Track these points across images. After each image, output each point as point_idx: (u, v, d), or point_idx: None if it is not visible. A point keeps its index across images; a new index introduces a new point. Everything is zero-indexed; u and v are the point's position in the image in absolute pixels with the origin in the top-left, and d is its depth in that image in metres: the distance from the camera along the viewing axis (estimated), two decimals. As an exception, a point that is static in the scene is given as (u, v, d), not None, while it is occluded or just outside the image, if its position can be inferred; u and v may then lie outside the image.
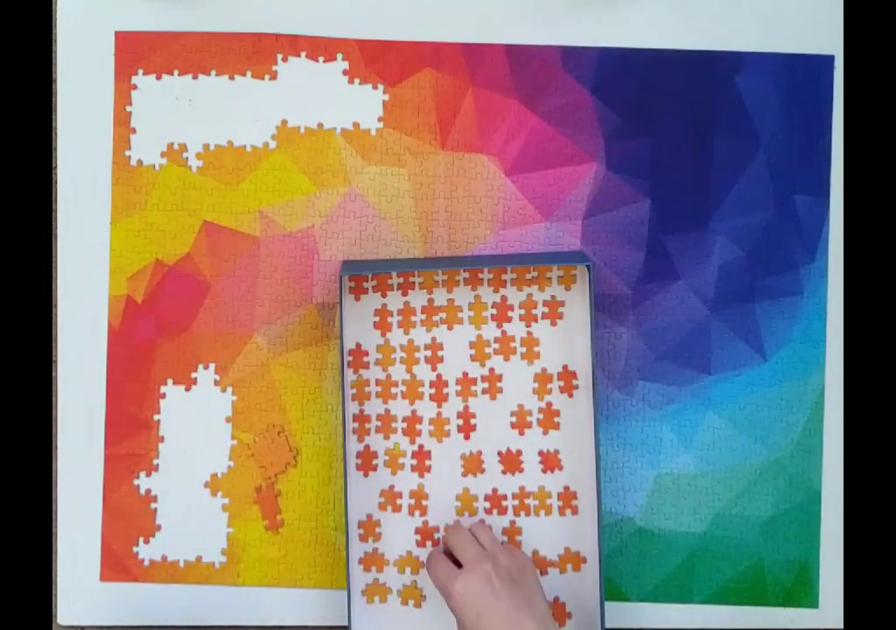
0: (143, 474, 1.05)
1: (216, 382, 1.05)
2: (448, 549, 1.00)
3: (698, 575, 1.06)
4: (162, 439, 1.05)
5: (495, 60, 1.05)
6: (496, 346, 1.04)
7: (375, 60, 1.04)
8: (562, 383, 1.04)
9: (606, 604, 1.02)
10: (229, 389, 1.05)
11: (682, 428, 1.06)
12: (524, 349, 1.04)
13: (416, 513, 1.04)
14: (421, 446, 1.04)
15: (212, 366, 1.05)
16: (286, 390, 1.05)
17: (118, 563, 1.05)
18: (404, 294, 1.04)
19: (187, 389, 1.05)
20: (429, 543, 1.04)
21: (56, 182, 1.04)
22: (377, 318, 1.04)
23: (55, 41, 1.04)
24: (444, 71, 1.05)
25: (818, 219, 1.05)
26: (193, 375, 1.05)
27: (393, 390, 1.04)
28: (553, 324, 1.04)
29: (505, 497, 1.05)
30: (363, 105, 1.05)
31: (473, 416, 1.04)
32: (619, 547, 1.06)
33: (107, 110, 1.04)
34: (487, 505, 1.05)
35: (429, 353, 1.04)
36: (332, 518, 1.05)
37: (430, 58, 1.04)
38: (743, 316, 1.05)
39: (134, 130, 1.04)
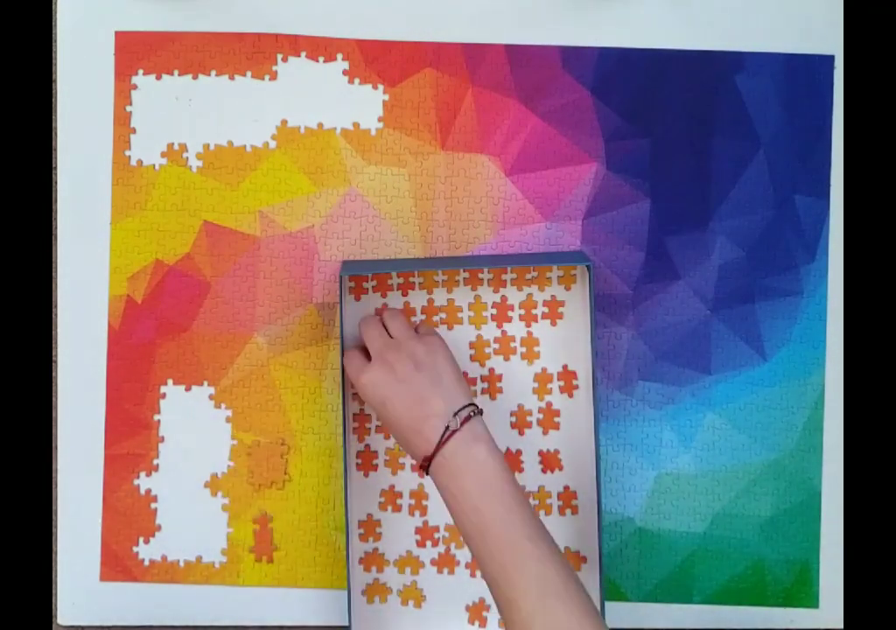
0: (143, 474, 1.05)
1: (216, 383, 1.05)
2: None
3: (698, 575, 1.06)
4: (162, 439, 1.05)
5: (495, 60, 1.05)
6: (496, 346, 1.04)
7: (375, 60, 1.04)
8: (562, 383, 1.04)
9: (606, 604, 1.02)
10: (229, 390, 1.05)
11: (682, 428, 1.06)
12: (524, 349, 1.04)
13: (417, 513, 1.04)
14: (421, 446, 1.04)
15: (211, 370, 1.05)
16: (286, 390, 1.05)
17: (118, 563, 1.05)
18: (404, 294, 1.04)
19: (187, 389, 1.05)
20: (429, 543, 1.04)
21: (56, 182, 1.04)
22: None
23: (55, 41, 1.04)
24: (444, 71, 1.05)
25: (818, 219, 1.05)
26: (194, 377, 1.05)
27: (393, 390, 1.04)
28: (553, 324, 1.04)
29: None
30: (363, 105, 1.05)
31: (473, 415, 1.04)
32: (619, 547, 1.06)
33: (107, 110, 1.04)
34: (487, 505, 1.05)
35: (429, 353, 1.04)
36: (332, 518, 1.05)
37: (430, 58, 1.04)
38: (743, 316, 1.05)
39: (134, 130, 1.04)
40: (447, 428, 0.92)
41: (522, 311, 1.04)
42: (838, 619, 1.06)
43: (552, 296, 1.04)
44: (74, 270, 1.05)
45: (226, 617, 1.05)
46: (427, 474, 0.93)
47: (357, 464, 1.04)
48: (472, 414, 0.93)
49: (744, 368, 1.06)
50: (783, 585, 1.06)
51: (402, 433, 0.94)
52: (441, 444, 0.91)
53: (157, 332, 1.05)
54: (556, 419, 1.05)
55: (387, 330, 0.99)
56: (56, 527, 1.05)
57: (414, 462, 0.95)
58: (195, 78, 1.04)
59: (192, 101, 1.05)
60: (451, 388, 0.95)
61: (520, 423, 1.05)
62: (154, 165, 1.05)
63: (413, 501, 1.04)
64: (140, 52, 1.04)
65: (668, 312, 1.05)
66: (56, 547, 1.05)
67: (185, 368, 1.05)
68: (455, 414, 0.93)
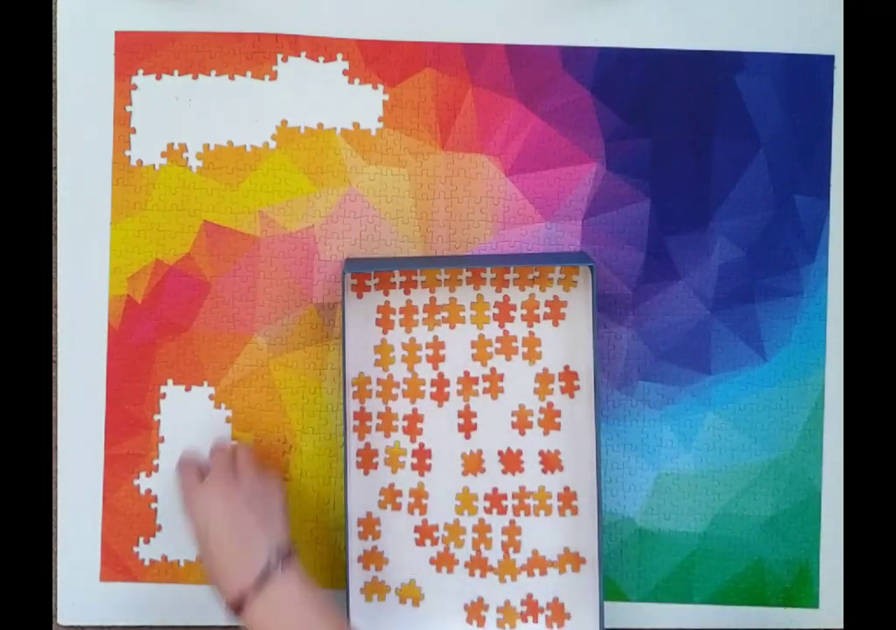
0: (143, 474, 1.05)
1: (216, 383, 1.05)
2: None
3: (698, 575, 1.06)
4: (162, 439, 1.05)
5: (495, 60, 1.05)
6: (498, 345, 1.04)
7: (375, 60, 1.04)
8: (563, 384, 1.04)
9: (606, 604, 1.02)
10: (229, 390, 1.05)
11: (682, 428, 1.06)
12: (526, 349, 1.04)
13: (416, 511, 1.04)
14: (421, 445, 1.04)
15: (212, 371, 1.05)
16: (286, 390, 1.05)
17: (118, 563, 1.05)
18: (406, 292, 1.04)
19: (187, 389, 1.05)
20: (428, 542, 1.04)
21: (56, 182, 1.04)
22: (379, 316, 1.04)
23: (55, 41, 1.04)
24: (444, 71, 1.05)
25: (818, 219, 1.05)
26: (194, 377, 1.05)
27: (394, 389, 1.04)
28: (555, 324, 1.04)
29: (505, 497, 1.05)
30: (363, 105, 1.05)
31: (474, 415, 1.04)
32: (619, 547, 1.06)
33: (107, 110, 1.04)
34: (487, 504, 1.05)
35: (430, 351, 1.04)
36: (332, 518, 1.05)
37: (430, 58, 1.04)
38: (743, 316, 1.05)
39: (134, 130, 1.04)
40: (268, 565, 0.92)
41: (524, 311, 1.04)
42: (838, 619, 1.06)
43: (554, 296, 1.04)
44: (74, 270, 1.05)
45: (226, 617, 1.05)
46: (236, 613, 0.91)
47: (357, 462, 1.04)
48: (290, 554, 0.93)
49: (744, 368, 1.06)
50: (783, 585, 1.06)
51: (221, 564, 0.93)
52: (261, 582, 0.91)
53: (157, 332, 1.05)
54: (556, 419, 1.05)
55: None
56: (56, 527, 1.05)
57: (224, 598, 0.92)
58: (195, 78, 1.04)
59: (192, 101, 1.04)
60: (277, 527, 0.95)
61: (521, 422, 1.05)
62: (154, 165, 1.05)
63: (413, 500, 1.04)
64: (140, 52, 1.04)
65: (668, 312, 1.05)
66: (56, 547, 1.05)
67: (185, 368, 1.05)
68: (277, 553, 0.93)
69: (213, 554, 0.93)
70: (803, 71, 1.05)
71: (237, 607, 0.91)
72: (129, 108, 1.04)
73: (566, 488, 1.05)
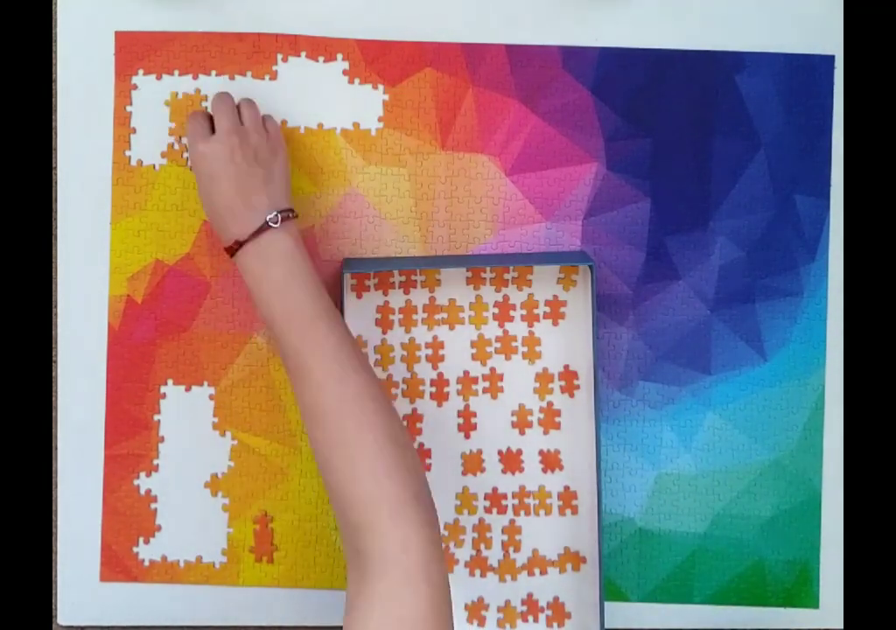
0: (143, 474, 1.05)
1: (216, 383, 1.05)
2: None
3: (698, 575, 1.06)
4: (162, 439, 1.05)
5: (495, 60, 1.05)
6: (497, 345, 1.04)
7: (375, 60, 1.04)
8: (563, 383, 1.04)
9: (606, 604, 1.02)
10: (229, 390, 1.05)
11: (682, 428, 1.06)
12: (525, 349, 1.04)
13: (417, 512, 1.04)
14: (421, 445, 1.04)
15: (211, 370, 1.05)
16: (286, 390, 1.05)
17: (118, 563, 1.05)
18: (406, 292, 1.04)
19: (187, 389, 1.05)
20: (429, 543, 1.04)
21: (56, 182, 1.04)
22: (378, 316, 1.04)
23: (55, 41, 1.04)
24: (444, 71, 1.05)
25: (818, 219, 1.05)
26: (194, 377, 1.05)
27: (394, 389, 1.04)
28: (554, 324, 1.04)
29: (505, 496, 1.05)
30: (363, 105, 1.05)
31: (474, 415, 1.04)
32: (619, 547, 1.06)
33: (107, 110, 1.04)
34: (487, 504, 1.05)
35: (430, 351, 1.04)
36: (332, 518, 1.05)
37: (430, 58, 1.04)
38: (743, 316, 1.05)
39: (134, 130, 1.04)
40: (266, 221, 0.94)
41: (524, 311, 1.04)
42: (838, 619, 1.06)
43: (554, 295, 1.04)
44: (74, 270, 1.04)
45: (226, 617, 1.05)
46: (231, 256, 0.94)
47: (358, 463, 1.04)
48: (289, 216, 0.95)
49: (744, 368, 1.06)
50: (783, 585, 1.06)
51: (220, 213, 0.95)
52: (257, 232, 0.93)
53: (157, 332, 1.05)
54: (556, 419, 1.05)
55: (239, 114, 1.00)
56: (56, 527, 1.05)
57: (222, 241, 0.96)
58: (195, 78, 1.04)
59: (191, 101, 1.04)
60: (279, 191, 0.97)
61: (520, 422, 1.05)
62: (154, 165, 1.05)
63: (413, 501, 1.04)
64: (140, 52, 1.04)
65: (668, 312, 1.05)
66: (56, 547, 1.05)
67: (185, 368, 1.05)
68: (277, 213, 0.94)
69: (216, 203, 0.95)
70: (803, 71, 1.05)
71: (232, 251, 0.94)
72: (129, 108, 1.04)
73: (566, 488, 1.05)
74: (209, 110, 1.01)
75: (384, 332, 1.04)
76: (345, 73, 1.04)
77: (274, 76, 1.04)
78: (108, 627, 1.06)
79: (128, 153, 1.04)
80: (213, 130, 0.98)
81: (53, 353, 1.05)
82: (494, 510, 1.05)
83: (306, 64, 1.04)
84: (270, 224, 0.93)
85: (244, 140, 0.96)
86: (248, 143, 0.96)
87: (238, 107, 1.00)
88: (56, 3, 1.03)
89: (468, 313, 1.04)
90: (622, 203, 1.05)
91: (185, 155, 1.04)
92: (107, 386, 1.05)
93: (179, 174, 1.04)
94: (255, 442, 1.05)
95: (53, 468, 1.05)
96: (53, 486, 1.05)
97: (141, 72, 1.04)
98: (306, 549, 1.05)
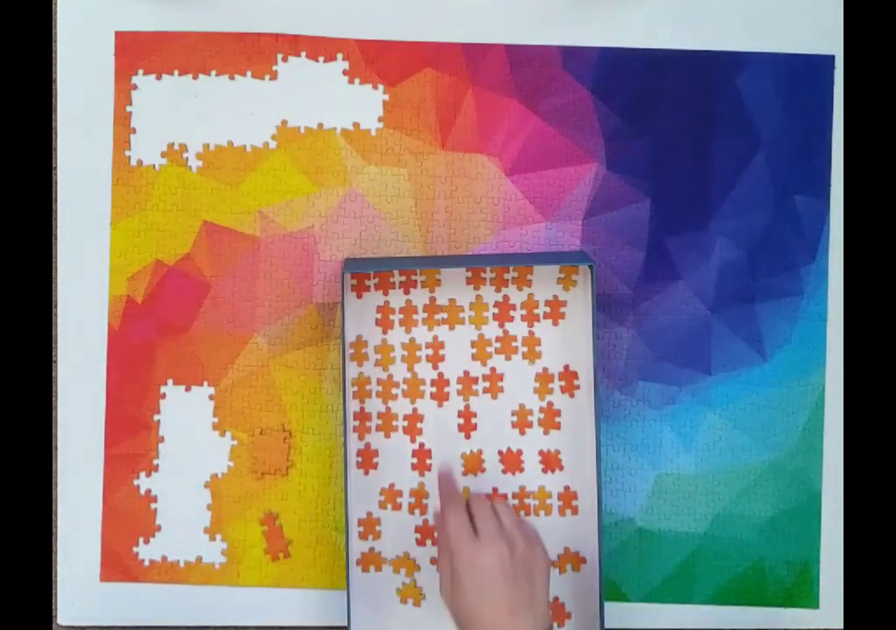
0: (143, 474, 1.05)
1: (216, 383, 1.05)
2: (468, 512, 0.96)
3: (698, 575, 1.06)
4: (162, 439, 1.05)
5: (495, 60, 1.05)
6: (497, 345, 1.04)
7: (375, 60, 1.04)
8: (563, 383, 1.04)
9: (606, 604, 1.02)
10: (229, 390, 1.05)
11: (682, 428, 1.06)
12: (525, 349, 1.04)
13: (416, 511, 1.04)
14: (422, 445, 1.04)
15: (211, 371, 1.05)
16: (286, 390, 1.05)
17: (118, 564, 1.05)
18: (406, 292, 1.04)
19: (187, 389, 1.05)
20: (428, 542, 1.04)
21: (56, 182, 1.04)
22: (379, 316, 1.04)
23: (55, 41, 1.04)
24: (444, 71, 1.05)
25: (818, 219, 1.05)
26: (194, 377, 1.05)
27: (394, 389, 1.04)
28: (555, 324, 1.04)
29: (505, 496, 1.05)
30: (363, 105, 1.05)
31: (474, 415, 1.04)
32: (619, 547, 1.06)
33: (107, 110, 1.04)
34: (488, 505, 1.05)
35: (430, 351, 1.04)
36: (332, 518, 1.05)
37: (430, 58, 1.05)
38: (743, 316, 1.05)
39: (134, 130, 1.04)
40: None
41: (524, 311, 1.04)
42: (838, 619, 1.06)
43: (554, 296, 1.04)
44: (74, 270, 1.05)
45: (226, 617, 1.05)
46: None
47: (357, 462, 1.04)
48: None
49: (744, 368, 1.06)
50: (783, 586, 1.06)
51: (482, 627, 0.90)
52: None
53: (157, 332, 1.05)
54: (556, 419, 1.05)
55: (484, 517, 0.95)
56: (56, 527, 1.05)
57: None
58: (195, 78, 1.04)
59: (192, 101, 1.04)
60: (544, 609, 0.93)
61: (521, 422, 1.05)
62: (154, 165, 1.05)
63: (413, 500, 1.04)
64: (140, 52, 1.04)
65: (669, 312, 1.05)
66: (56, 547, 1.05)
67: (185, 368, 1.05)
68: None
69: (483, 617, 0.90)
70: (803, 71, 1.05)
71: None
72: (129, 108, 1.04)
73: (566, 488, 1.05)
74: (460, 507, 0.96)
75: (384, 332, 1.04)
76: (345, 73, 1.04)
77: (274, 76, 1.04)
78: (108, 627, 1.06)
79: (128, 153, 1.04)
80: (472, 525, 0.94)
81: (53, 353, 1.05)
82: (495, 510, 1.05)
83: (306, 64, 1.04)
84: None
85: (513, 548, 0.92)
86: (517, 551, 0.92)
87: (494, 508, 0.96)
88: (56, 3, 1.04)
89: (468, 313, 1.04)
90: (622, 203, 1.05)
91: (445, 552, 0.95)
92: (107, 386, 1.05)
93: (179, 174, 1.04)
94: (259, 429, 1.05)
95: (53, 468, 1.05)
96: (53, 486, 1.05)
97: (141, 72, 1.04)
98: (307, 549, 1.05)
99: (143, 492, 1.05)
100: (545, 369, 1.04)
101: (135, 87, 1.04)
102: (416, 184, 1.05)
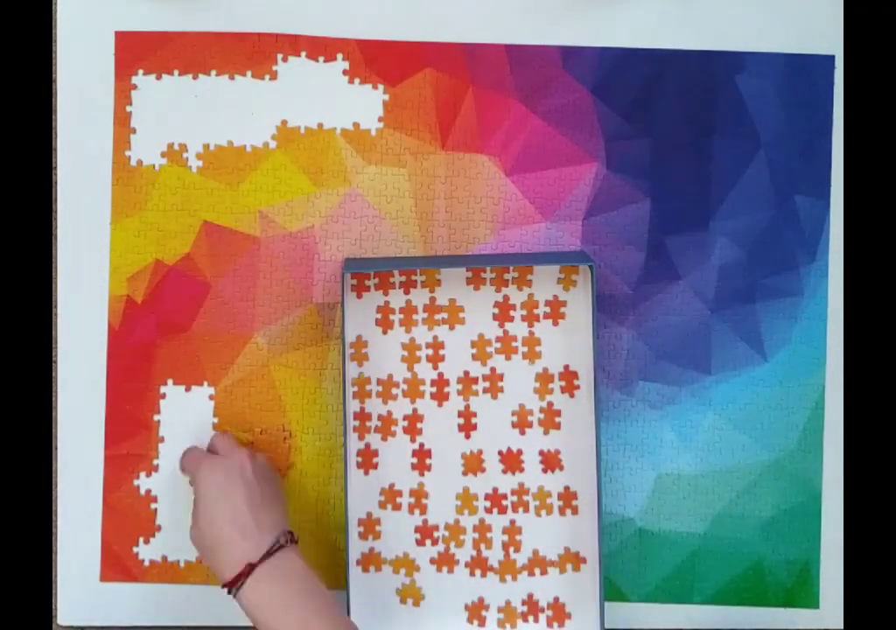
0: (143, 474, 1.05)
1: (216, 383, 1.05)
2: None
3: (698, 575, 1.06)
4: (162, 439, 1.05)
5: (495, 60, 1.05)
6: (498, 345, 1.04)
7: (375, 60, 1.04)
8: (563, 383, 1.04)
9: (606, 604, 1.02)
10: (229, 390, 1.05)
11: (682, 428, 1.06)
12: (525, 349, 1.04)
13: (416, 511, 1.04)
14: (421, 445, 1.04)
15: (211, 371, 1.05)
16: (286, 390, 1.05)
17: (118, 564, 1.05)
18: (406, 292, 1.04)
19: (187, 389, 1.05)
20: (428, 542, 1.04)
21: (56, 182, 1.04)
22: (379, 316, 1.04)
23: (55, 41, 1.04)
24: (444, 71, 1.05)
25: (818, 219, 1.05)
26: (194, 377, 1.05)
27: (394, 389, 1.04)
28: (555, 324, 1.04)
29: (505, 496, 1.05)
30: (363, 105, 1.05)
31: (474, 415, 1.04)
32: (619, 547, 1.06)
33: (107, 110, 1.04)
34: (487, 504, 1.05)
35: (430, 351, 1.04)
36: (333, 518, 1.05)
37: (430, 58, 1.04)
38: (743, 316, 1.05)
39: (134, 130, 1.04)
40: (277, 541, 0.93)
41: (524, 311, 1.04)
42: (838, 619, 1.06)
43: (554, 296, 1.04)
44: (74, 270, 1.04)
45: (226, 617, 1.05)
46: (235, 587, 0.92)
47: (357, 462, 1.04)
48: (294, 537, 0.95)
49: (744, 368, 1.06)
50: (783, 586, 1.06)
51: (224, 536, 0.93)
52: (270, 553, 0.92)
53: (157, 332, 1.05)
54: (556, 419, 1.05)
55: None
56: (56, 527, 1.05)
57: (224, 571, 0.92)
58: (195, 78, 1.04)
59: (192, 101, 1.04)
60: (283, 510, 0.98)
61: (521, 422, 1.04)
62: (154, 165, 1.05)
63: (413, 500, 1.04)
64: (140, 52, 1.04)
65: (669, 312, 1.05)
66: (56, 547, 1.05)
67: (185, 368, 1.05)
68: (285, 533, 0.95)
69: (221, 525, 0.93)
70: (803, 71, 1.05)
71: (238, 580, 0.92)
72: (129, 108, 1.04)
73: (566, 488, 1.05)
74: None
75: (384, 333, 1.04)
76: (345, 73, 1.04)
77: (274, 76, 1.04)
78: (108, 627, 1.06)
79: (128, 153, 1.04)
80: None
81: (53, 353, 1.05)
82: (495, 510, 1.05)
83: (306, 64, 1.04)
84: (282, 544, 0.93)
85: (250, 456, 0.98)
86: (255, 459, 0.98)
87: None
88: (56, 3, 1.04)
89: (468, 313, 1.04)
90: (622, 203, 1.05)
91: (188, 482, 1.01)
92: (107, 386, 1.05)
93: (179, 174, 1.04)
94: (259, 429, 1.05)
95: (53, 468, 1.05)
96: (53, 486, 1.05)
97: (141, 72, 1.04)
98: (306, 549, 1.05)
99: (143, 492, 1.05)
100: (545, 369, 1.04)
101: (135, 87, 1.04)
102: (416, 184, 1.05)
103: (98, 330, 1.05)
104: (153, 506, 1.05)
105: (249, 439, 1.05)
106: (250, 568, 0.91)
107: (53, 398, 1.05)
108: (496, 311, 1.04)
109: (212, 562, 0.94)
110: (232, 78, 1.04)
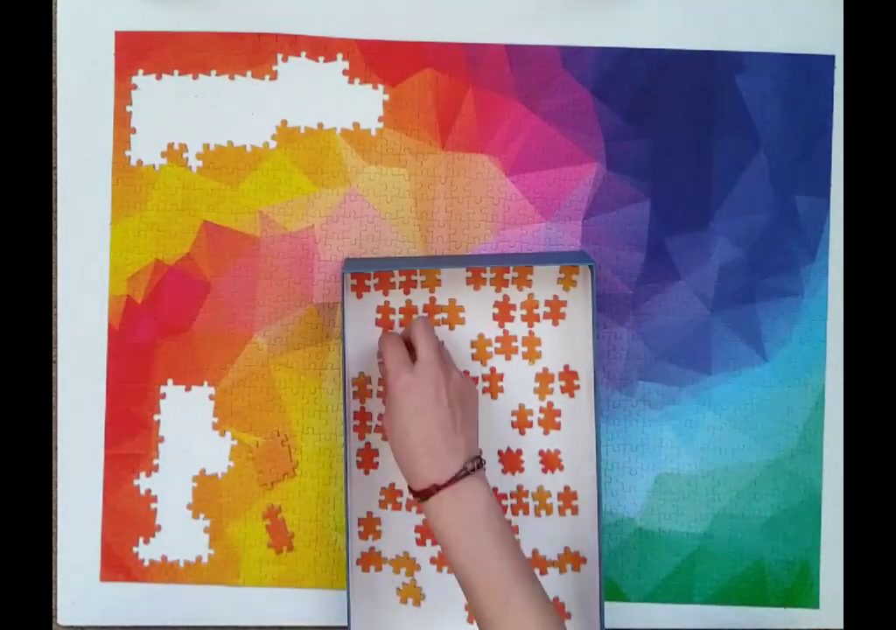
0: (143, 474, 1.05)
1: (216, 383, 1.05)
2: (407, 338, 0.99)
3: (698, 575, 1.06)
4: (162, 439, 1.05)
5: (495, 60, 1.05)
6: (498, 345, 1.04)
7: (375, 60, 1.04)
8: (563, 383, 1.04)
9: (606, 604, 1.02)
10: (229, 390, 1.05)
11: (682, 428, 1.06)
12: (525, 349, 1.04)
13: (416, 511, 1.04)
14: (422, 445, 1.04)
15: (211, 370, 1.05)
16: (286, 390, 1.05)
17: (118, 564, 1.05)
18: (406, 292, 1.04)
19: (187, 389, 1.05)
20: (428, 542, 1.04)
21: (56, 182, 1.04)
22: (379, 316, 1.04)
23: (55, 41, 1.04)
24: (444, 71, 1.05)
25: (818, 219, 1.05)
26: (194, 377, 1.05)
27: (394, 389, 1.04)
28: (555, 324, 1.04)
29: (505, 496, 1.05)
30: (363, 105, 1.05)
31: (474, 415, 1.04)
32: (619, 547, 1.06)
33: (107, 110, 1.04)
34: (488, 505, 1.05)
35: (430, 351, 1.04)
36: (333, 518, 1.05)
37: (430, 58, 1.04)
38: (743, 316, 1.05)
39: (134, 130, 1.04)
40: (464, 467, 0.93)
41: (524, 311, 1.04)
42: (838, 619, 1.06)
43: (554, 296, 1.04)
44: (74, 270, 1.05)
45: (226, 617, 1.05)
46: (422, 501, 0.93)
47: (357, 461, 1.04)
48: (483, 463, 0.95)
49: (744, 368, 1.06)
50: (783, 586, 1.06)
51: (416, 451, 0.93)
52: (456, 478, 0.92)
53: (157, 332, 1.05)
54: (556, 419, 1.05)
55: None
56: (56, 527, 1.05)
57: (412, 482, 0.94)
58: (195, 78, 1.04)
59: (192, 101, 1.04)
60: (474, 436, 0.97)
61: (521, 422, 1.05)
62: (154, 165, 1.05)
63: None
64: (140, 52, 1.04)
65: (669, 312, 1.05)
66: (56, 547, 1.05)
67: (185, 368, 1.05)
68: (477, 458, 0.95)
69: (413, 440, 0.93)
70: (803, 71, 1.05)
71: (424, 495, 0.93)
72: (129, 108, 1.04)
73: (566, 488, 1.05)
74: (402, 332, 1.02)
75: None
76: (345, 73, 1.04)
77: (274, 76, 1.04)
78: (108, 627, 1.06)
79: (128, 153, 1.04)
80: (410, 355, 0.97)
81: (53, 353, 1.05)
82: (494, 510, 1.05)
83: (306, 64, 1.04)
84: (469, 470, 0.93)
85: (449, 376, 0.96)
86: (452, 379, 0.96)
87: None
88: (56, 3, 1.04)
89: (468, 313, 1.04)
90: (622, 203, 1.05)
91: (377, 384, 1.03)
92: (107, 386, 1.05)
93: (179, 174, 1.04)
94: (255, 442, 1.05)
95: (53, 468, 1.05)
96: (53, 486, 1.05)
97: (141, 72, 1.04)
98: (307, 549, 1.05)
99: (143, 492, 1.05)
100: (545, 369, 1.04)
101: (135, 87, 1.04)
102: (416, 184, 1.05)
103: (98, 330, 1.05)
104: (153, 506, 1.05)
105: (249, 454, 1.05)
106: (436, 489, 0.92)
107: (53, 398, 1.05)
108: (496, 311, 1.04)
109: (400, 465, 0.95)
110: (232, 78, 1.04)
